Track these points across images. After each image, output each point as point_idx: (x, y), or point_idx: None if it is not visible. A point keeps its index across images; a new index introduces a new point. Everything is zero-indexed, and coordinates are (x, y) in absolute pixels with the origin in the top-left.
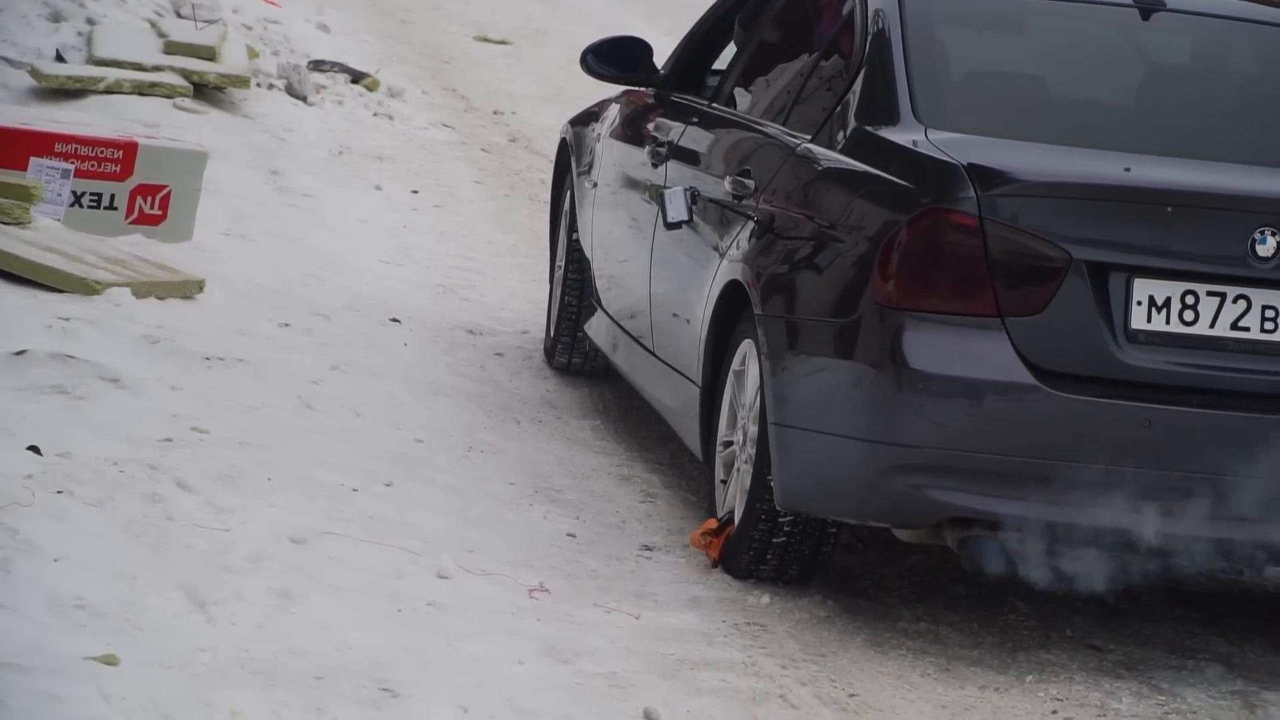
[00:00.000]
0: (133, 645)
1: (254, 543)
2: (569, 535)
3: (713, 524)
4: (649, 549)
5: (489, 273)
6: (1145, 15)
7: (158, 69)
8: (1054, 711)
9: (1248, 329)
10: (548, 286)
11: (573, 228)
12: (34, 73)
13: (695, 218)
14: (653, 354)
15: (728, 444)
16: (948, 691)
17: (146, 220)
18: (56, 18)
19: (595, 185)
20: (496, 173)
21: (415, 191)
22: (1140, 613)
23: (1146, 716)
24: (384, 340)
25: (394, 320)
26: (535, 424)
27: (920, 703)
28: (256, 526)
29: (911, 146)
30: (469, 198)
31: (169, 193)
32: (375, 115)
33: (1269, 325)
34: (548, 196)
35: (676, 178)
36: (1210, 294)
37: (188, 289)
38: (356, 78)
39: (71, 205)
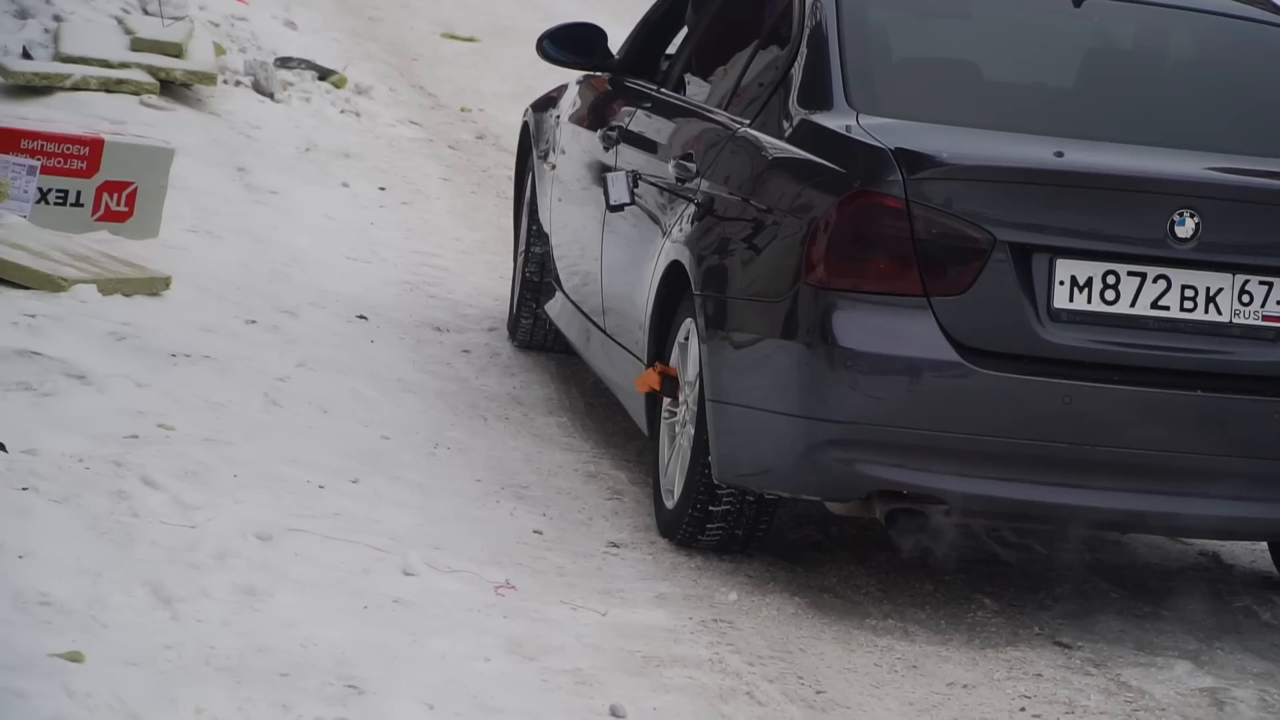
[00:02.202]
0: (98, 642)
1: (220, 539)
2: (535, 532)
3: (655, 380)
4: (616, 546)
5: (456, 269)
6: (1077, 2)
7: (124, 66)
8: (1022, 709)
9: (1168, 308)
10: (512, 268)
11: (534, 222)
12: (0, 70)
13: (640, 200)
14: (604, 332)
15: (670, 416)
16: (915, 689)
17: (113, 217)
18: (23, 14)
19: (554, 168)
20: (464, 170)
21: (382, 188)
22: (1109, 610)
23: (1115, 713)
24: (351, 337)
25: (361, 317)
26: (502, 421)
27: (888, 700)
28: (222, 523)
29: (843, 131)
30: (436, 195)
31: (135, 189)
32: (342, 112)
33: (1188, 304)
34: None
35: (626, 161)
36: (1131, 274)
37: (154, 286)
38: (324, 75)
39: (38, 202)
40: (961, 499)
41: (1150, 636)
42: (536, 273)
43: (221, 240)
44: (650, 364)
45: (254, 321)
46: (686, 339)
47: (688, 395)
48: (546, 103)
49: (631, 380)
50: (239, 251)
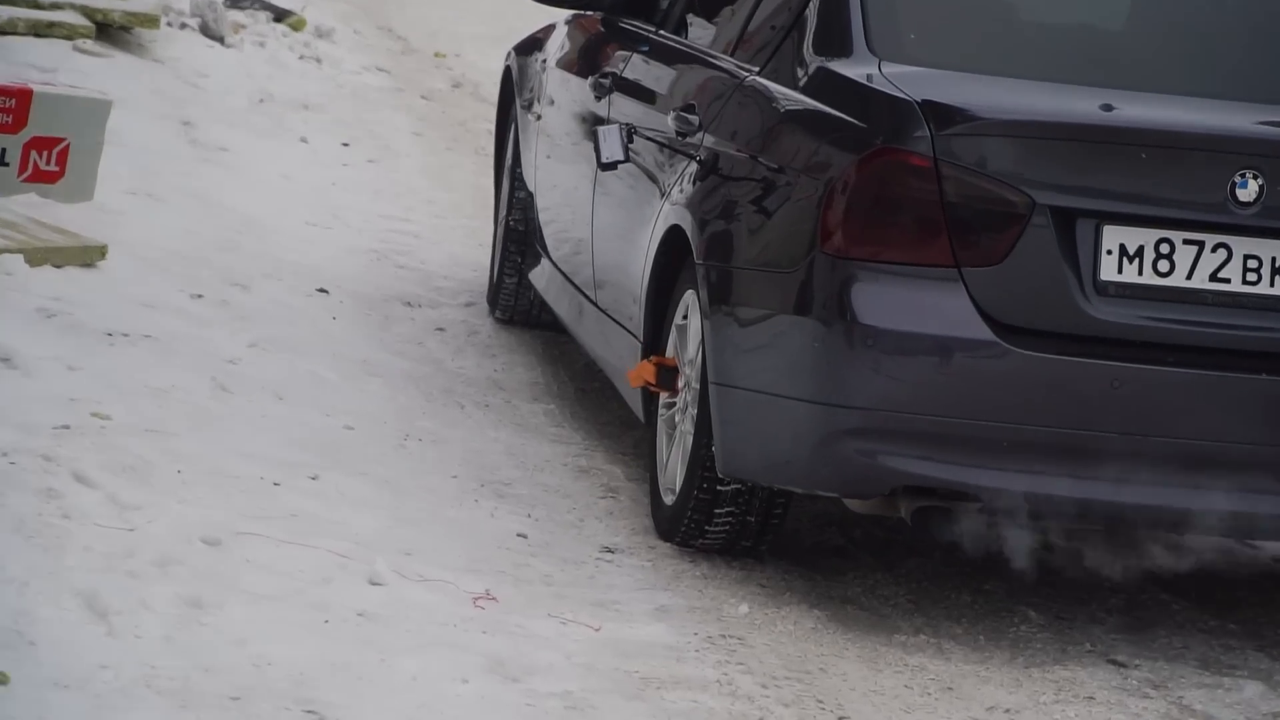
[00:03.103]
0: (24, 661)
1: (162, 544)
2: (519, 536)
3: (650, 372)
4: (611, 551)
5: (429, 236)
6: None
7: (56, 7)
8: None
9: (1228, 280)
10: (493, 234)
11: (517, 165)
12: None
13: (636, 157)
14: (595, 305)
15: (670, 404)
16: (951, 713)
17: (42, 177)
18: None
19: (539, 119)
20: (438, 123)
21: (346, 145)
22: (1169, 623)
23: None
24: (310, 313)
25: (321, 291)
26: (481, 409)
27: None
28: (164, 526)
29: (863, 81)
30: (407, 151)
31: (67, 146)
32: (301, 58)
33: (1251, 276)
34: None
35: (621, 113)
36: (1187, 242)
37: (88, 256)
38: (280, 16)
39: None
40: (997, 496)
41: (1216, 654)
42: (520, 242)
43: (164, 204)
44: (646, 344)
45: (201, 296)
46: (687, 315)
47: (689, 376)
48: (531, 45)
49: (627, 362)
50: (184, 216)
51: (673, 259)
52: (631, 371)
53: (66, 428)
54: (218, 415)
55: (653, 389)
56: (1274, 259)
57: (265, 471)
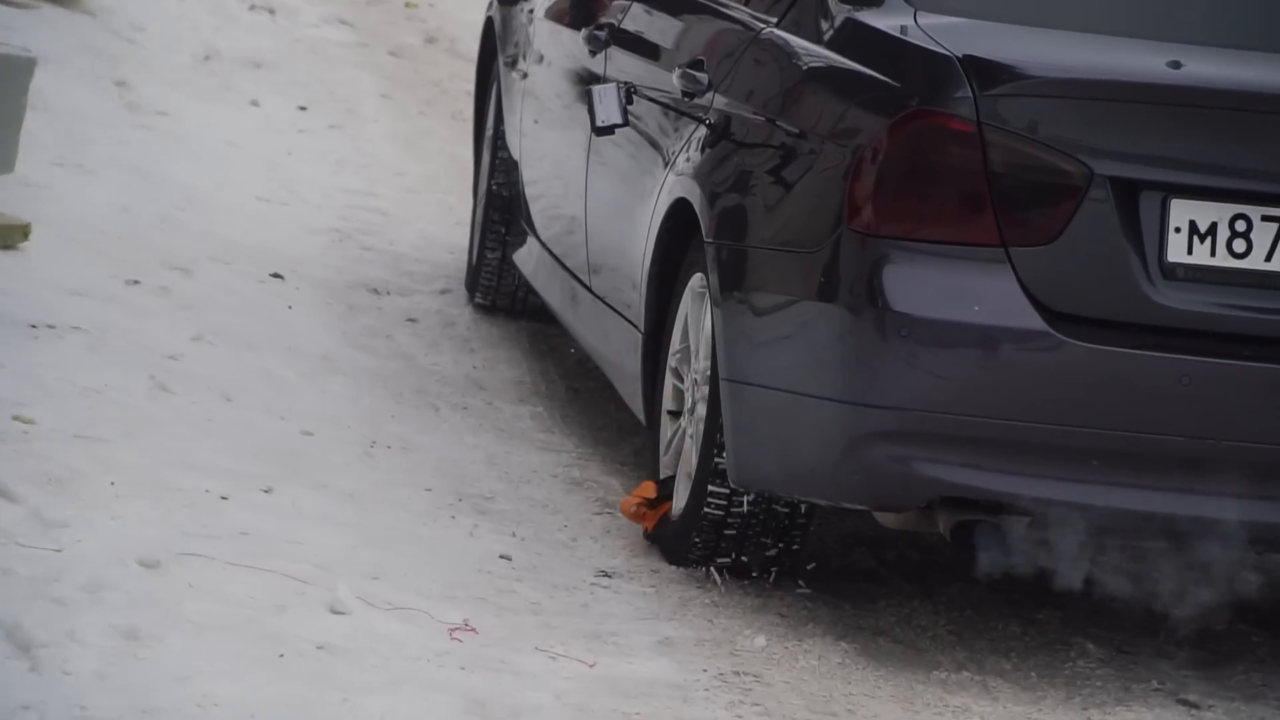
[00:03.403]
0: None
1: (93, 567)
2: (502, 557)
3: (651, 490)
4: (607, 575)
5: (398, 214)
6: None
7: None
8: None
9: None
10: (472, 210)
11: (500, 131)
12: None
13: (637, 121)
14: (590, 291)
15: (674, 412)
16: None
17: None
18: None
19: (525, 77)
20: (408, 83)
21: (303, 108)
22: (1247, 657)
23: None
24: (262, 302)
25: (275, 276)
26: (459, 411)
27: None
28: (96, 545)
29: (897, 34)
30: (373, 116)
31: None
32: (252, 9)
33: None
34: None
35: (619, 70)
36: (1266, 219)
37: (9, 236)
38: None
39: None
40: (1050, 508)
41: None
42: (504, 217)
43: (96, 176)
44: (647, 334)
45: (137, 282)
46: (694, 300)
47: (696, 373)
48: None
49: (627, 357)
50: (118, 191)
51: (679, 237)
52: (624, 501)
53: None
54: (157, 419)
55: (653, 509)
56: None
57: (211, 483)
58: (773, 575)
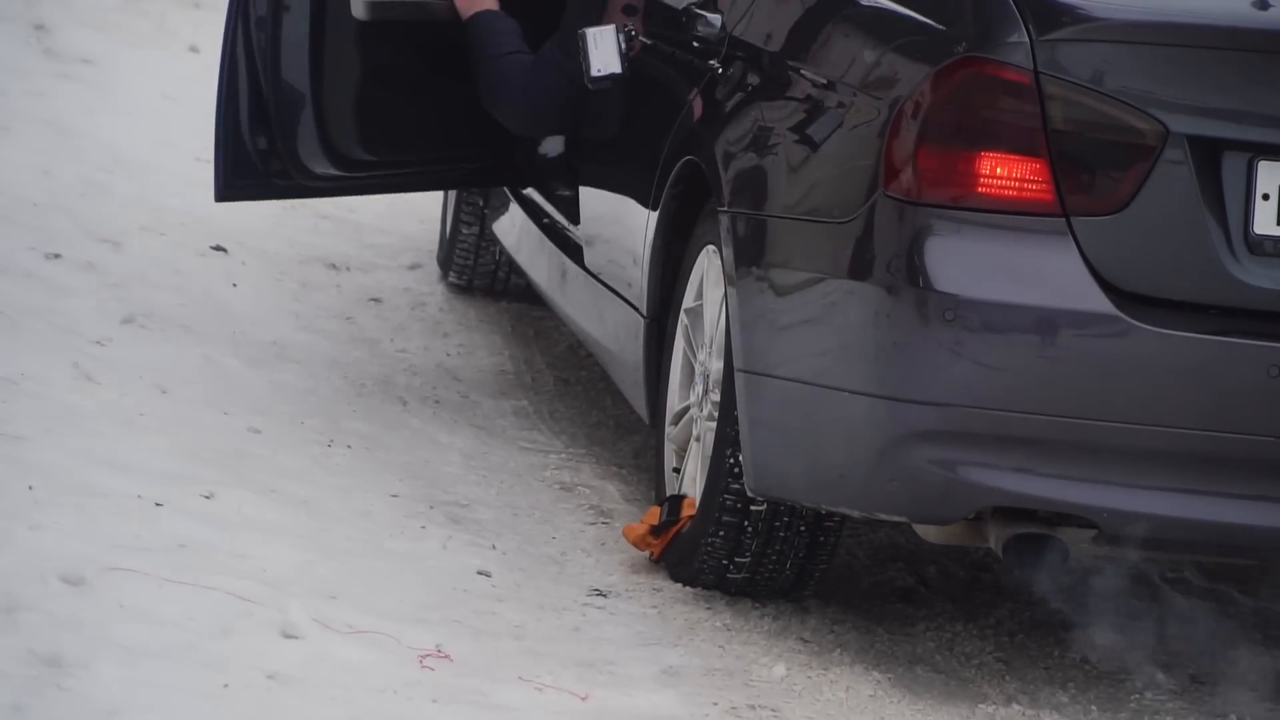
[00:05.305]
0: None
1: (9, 584)
2: (481, 574)
3: (655, 516)
4: (602, 594)
5: None
6: None
7: None
8: None
9: None
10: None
11: None
12: None
13: (638, 68)
14: (582, 267)
15: (683, 411)
16: None
17: None
18: None
19: None
20: None
21: None
22: None
23: None
24: (202, 279)
25: (217, 249)
26: (430, 405)
27: None
28: (12, 559)
29: None
30: None
31: None
32: None
33: None
34: None
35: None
36: None
37: None
38: None
39: None
40: (1118, 519)
41: None
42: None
43: (9, 134)
44: (650, 317)
45: (58, 256)
46: (705, 279)
47: (705, 363)
48: None
49: (626, 344)
50: (35, 151)
51: (687, 204)
52: (626, 527)
53: None
54: (82, 413)
55: (661, 534)
56: None
57: (144, 488)
58: (794, 595)
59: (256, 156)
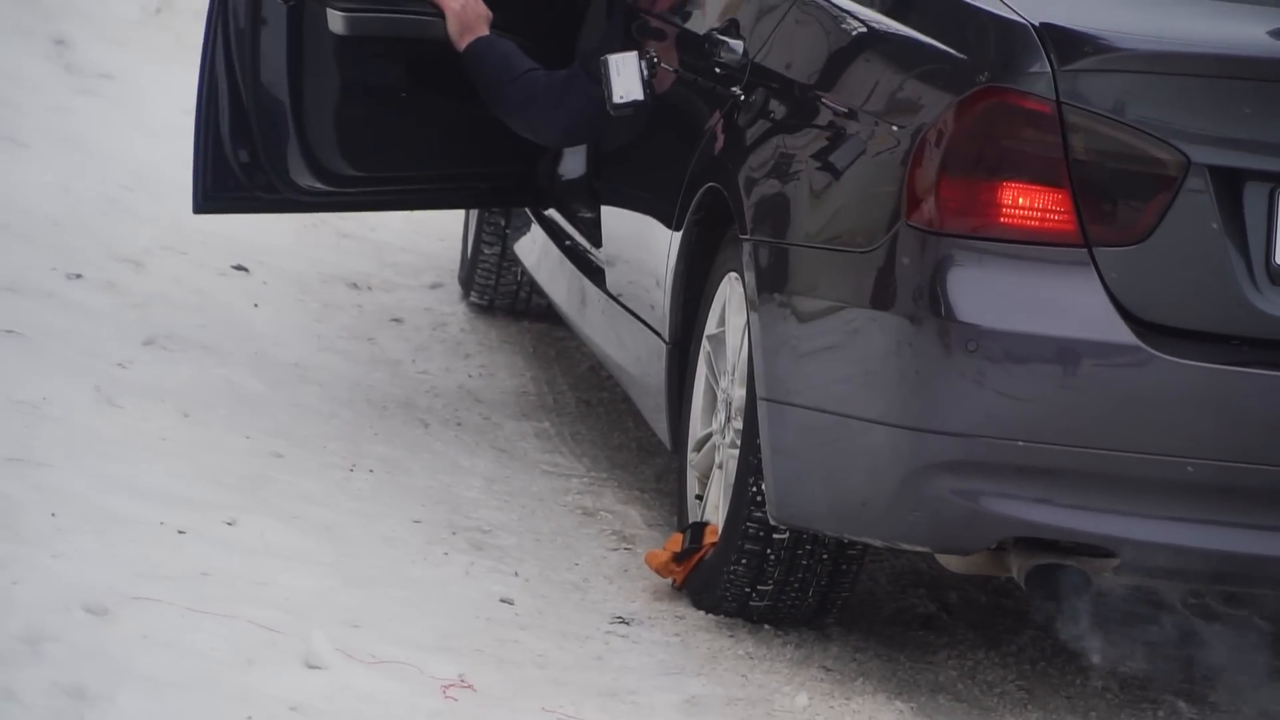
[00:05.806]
0: None
1: (32, 614)
2: (504, 601)
3: (679, 543)
4: (625, 622)
5: None
6: None
7: None
8: None
9: None
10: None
11: None
12: None
13: (659, 96)
14: (604, 290)
15: (705, 437)
16: None
17: None
18: None
19: None
20: None
21: None
22: None
23: None
24: (224, 299)
25: (239, 268)
26: (452, 428)
27: None
28: (35, 589)
29: None
30: None
31: None
32: None
33: None
34: None
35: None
36: None
37: None
38: None
39: None
40: (1141, 550)
41: None
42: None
43: (28, 151)
44: (672, 342)
45: (80, 276)
46: (727, 307)
47: (726, 391)
48: None
49: (648, 367)
50: (55, 168)
51: (709, 232)
52: (649, 553)
53: None
54: (104, 438)
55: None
56: None
57: (166, 514)
58: (817, 623)
59: (239, 169)
